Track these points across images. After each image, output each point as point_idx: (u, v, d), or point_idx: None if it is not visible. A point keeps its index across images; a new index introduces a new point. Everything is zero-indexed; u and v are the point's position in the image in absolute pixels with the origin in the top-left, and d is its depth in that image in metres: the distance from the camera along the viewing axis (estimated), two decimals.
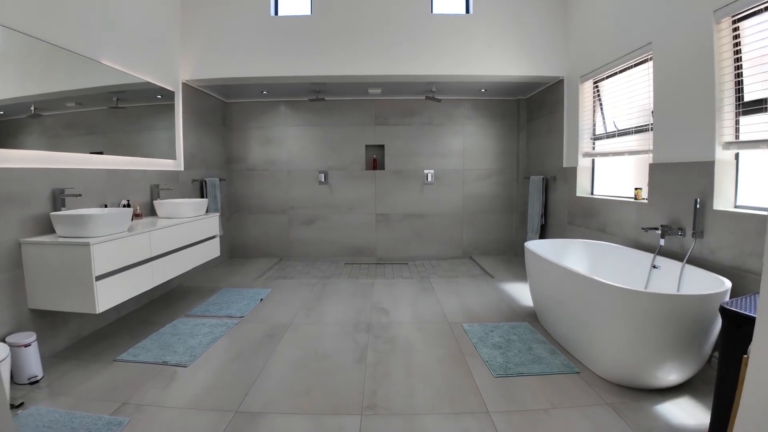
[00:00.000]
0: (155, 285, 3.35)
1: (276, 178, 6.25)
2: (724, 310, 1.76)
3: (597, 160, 4.46)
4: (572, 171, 4.60)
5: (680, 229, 2.95)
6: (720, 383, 1.78)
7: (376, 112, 6.13)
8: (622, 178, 4.08)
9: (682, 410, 2.16)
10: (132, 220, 3.75)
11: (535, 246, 3.64)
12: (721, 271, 2.58)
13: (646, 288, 3.07)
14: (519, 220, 6.13)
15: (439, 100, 5.67)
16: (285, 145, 6.21)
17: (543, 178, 5.20)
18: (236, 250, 6.33)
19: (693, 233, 2.78)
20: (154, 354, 2.97)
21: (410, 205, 6.19)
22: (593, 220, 4.16)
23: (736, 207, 2.70)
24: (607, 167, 4.36)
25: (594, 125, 4.36)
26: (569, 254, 3.78)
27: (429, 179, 6.13)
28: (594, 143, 4.37)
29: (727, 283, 2.27)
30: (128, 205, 3.74)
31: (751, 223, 2.42)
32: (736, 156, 2.69)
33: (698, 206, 2.76)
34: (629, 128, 3.74)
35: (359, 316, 3.70)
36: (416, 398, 2.36)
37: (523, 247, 5.97)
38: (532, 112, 5.82)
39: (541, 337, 3.11)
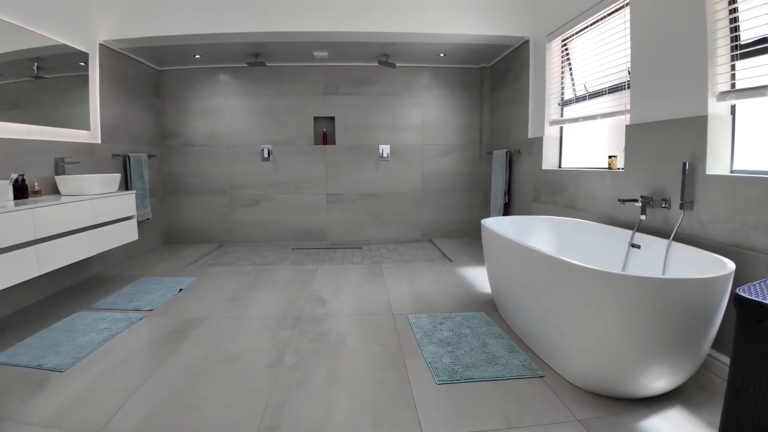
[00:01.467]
0: (43, 273, 2.73)
1: (215, 155, 5.58)
2: (740, 300, 1.25)
3: (566, 128, 3.97)
4: (538, 142, 4.11)
5: (664, 200, 2.47)
6: (733, 398, 1.28)
7: (326, 81, 5.51)
8: (594, 147, 3.60)
9: (674, 427, 1.67)
10: (28, 197, 3.10)
11: (493, 224, 3.12)
12: (717, 249, 2.11)
13: (623, 270, 2.59)
14: (482, 200, 5.64)
15: (393, 66, 5.08)
16: (224, 118, 5.53)
17: (506, 152, 4.70)
18: (173, 236, 5.65)
19: (681, 204, 2.30)
20: (34, 355, 2.40)
21: (365, 184, 5.62)
22: (561, 195, 3.68)
23: (732, 171, 2.22)
24: (576, 136, 3.88)
25: (562, 90, 3.87)
26: (534, 233, 3.29)
27: (385, 155, 5.57)
28: (562, 110, 3.88)
29: (730, 264, 1.79)
30: (22, 181, 3.08)
31: (754, 190, 1.94)
32: (732, 109, 2.21)
33: (687, 172, 2.28)
34: (602, 89, 3.25)
35: (290, 308, 3.13)
36: (334, 414, 1.81)
37: None
38: (496, 82, 5.30)
39: (498, 329, 2.61)
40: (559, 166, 4.02)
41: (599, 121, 3.34)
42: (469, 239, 5.63)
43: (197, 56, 5.04)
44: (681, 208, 2.30)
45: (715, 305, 1.67)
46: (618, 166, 3.10)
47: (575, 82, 3.69)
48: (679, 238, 2.31)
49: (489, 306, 3.06)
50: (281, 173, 5.59)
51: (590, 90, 3.41)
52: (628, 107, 2.87)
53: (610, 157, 3.12)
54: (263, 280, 3.88)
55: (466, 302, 3.16)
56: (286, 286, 3.66)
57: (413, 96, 5.57)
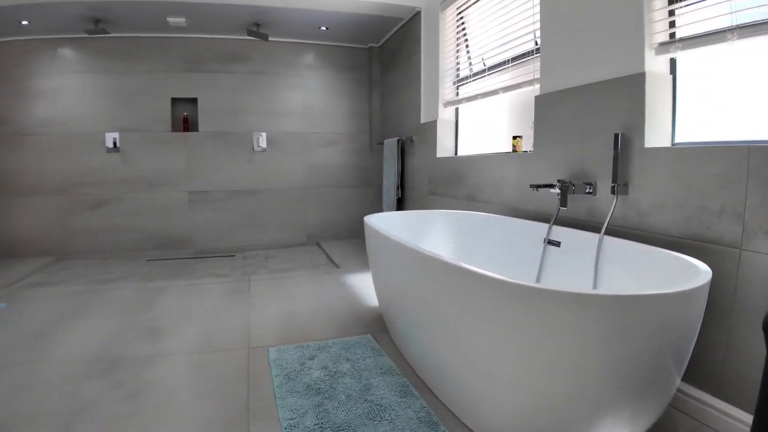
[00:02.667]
0: None
1: (53, 145, 4.38)
2: None
3: (463, 109, 3.46)
4: (431, 127, 3.56)
5: (588, 184, 1.97)
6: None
7: (186, 55, 4.55)
8: (496, 130, 3.11)
9: None
10: None
11: (378, 221, 2.47)
12: (666, 243, 1.63)
13: (538, 278, 2.06)
14: (375, 195, 5.03)
15: (266, 37, 4.28)
16: (63, 100, 4.36)
17: (398, 140, 4.12)
18: (1, 248, 4.35)
19: (613, 188, 1.81)
20: None
21: (237, 179, 4.75)
22: (460, 186, 3.14)
23: (675, 144, 1.77)
24: (474, 118, 3.38)
25: (458, 66, 3.35)
26: (429, 232, 2.70)
27: (261, 144, 4.74)
28: (458, 89, 3.36)
29: (703, 267, 1.29)
30: None
31: (719, 164, 1.47)
32: (673, 64, 1.76)
33: (620, 146, 1.79)
34: (504, 60, 2.75)
35: (110, 346, 2.23)
36: None
37: None
38: (387, 63, 4.72)
39: (388, 360, 1.96)
40: (456, 154, 3.51)
41: (501, 99, 2.85)
42: (360, 240, 4.98)
43: (24, 23, 3.86)
44: (613, 192, 1.80)
45: (692, 327, 1.15)
46: (525, 148, 2.61)
47: (472, 56, 3.18)
48: (612, 232, 1.81)
49: (378, 325, 2.41)
50: (132, 167, 4.53)
51: (489, 63, 2.91)
52: (537, 75, 2.37)
53: (514, 138, 2.62)
54: (92, 304, 2.89)
55: (350, 322, 2.47)
56: (117, 313, 2.73)
57: (294, 76, 4.80)
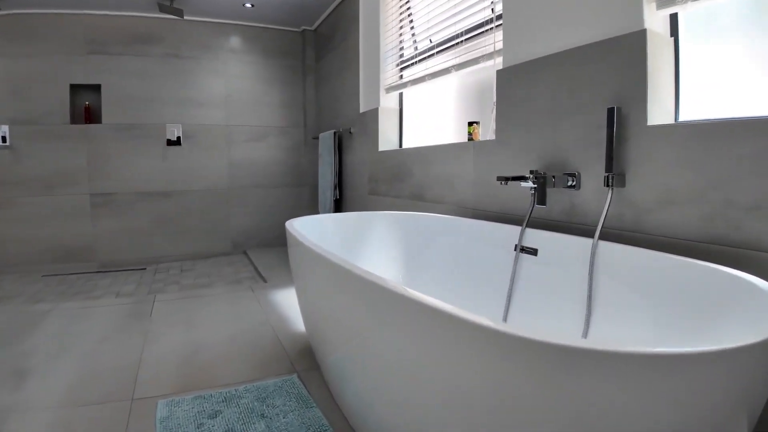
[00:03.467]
0: None
1: None
2: None
3: (408, 95, 3.02)
4: (372, 116, 3.09)
5: (570, 175, 1.57)
6: None
7: (88, 35, 3.84)
8: (447, 118, 2.69)
9: None
10: None
11: (304, 226, 1.94)
12: (677, 249, 1.24)
13: (509, 299, 1.63)
14: (311, 196, 4.50)
15: (180, 14, 3.66)
16: None
17: (334, 133, 3.62)
18: None
19: (607, 178, 1.40)
20: None
21: (148, 179, 4.07)
22: (405, 183, 2.70)
23: (679, 121, 1.39)
24: (422, 105, 2.95)
25: (401, 46, 2.91)
26: (369, 239, 2.22)
27: (176, 138, 4.10)
28: (401, 71, 2.92)
29: (763, 285, 0.89)
30: None
31: (750, 144, 1.09)
32: (674, 22, 1.38)
33: (615, 125, 1.39)
34: (455, 35, 2.33)
35: None
36: None
37: None
38: (322, 48, 4.21)
39: (318, 415, 1.46)
40: (401, 146, 3.06)
41: (452, 82, 2.43)
42: None
43: None
44: (607, 184, 1.40)
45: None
46: (483, 137, 2.19)
47: (417, 33, 2.74)
48: (603, 235, 1.40)
49: (308, 360, 1.90)
50: (24, 166, 3.77)
51: (438, 39, 2.48)
52: (499, 47, 1.96)
53: (470, 124, 2.20)
54: None
55: (272, 358, 1.95)
56: None
57: (214, 61, 4.19)
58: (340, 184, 3.69)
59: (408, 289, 0.91)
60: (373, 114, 3.08)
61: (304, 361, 1.88)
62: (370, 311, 1.07)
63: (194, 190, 4.18)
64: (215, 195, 4.25)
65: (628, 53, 1.37)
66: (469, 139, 2.21)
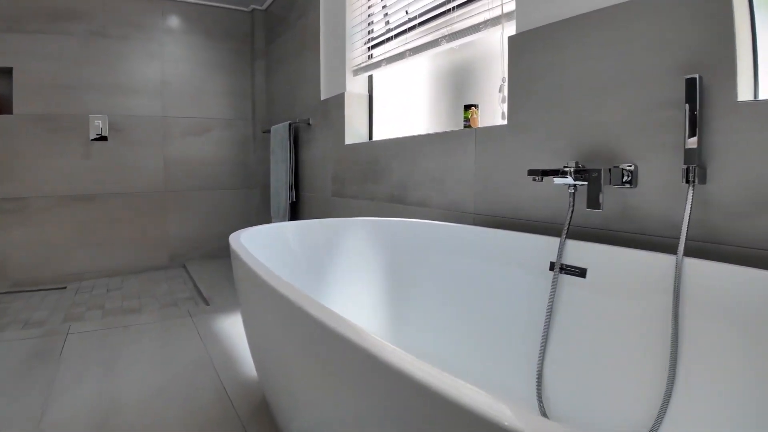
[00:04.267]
0: None
1: None
2: None
3: (379, 79, 2.56)
4: (337, 103, 2.61)
5: (627, 171, 1.14)
6: None
7: None
8: (426, 105, 2.24)
9: None
10: None
11: (253, 239, 1.42)
12: None
13: (541, 364, 1.20)
14: (262, 199, 3.95)
15: None
16: None
17: (290, 125, 3.10)
18: None
19: (689, 172, 0.99)
20: None
21: (69, 180, 3.38)
22: (382, 183, 2.23)
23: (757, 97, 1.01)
24: (396, 91, 2.49)
25: (370, 20, 2.44)
26: (340, 256, 1.72)
27: (101, 132, 3.44)
28: (371, 51, 2.45)
29: None
30: None
31: None
32: None
33: (698, 100, 0.98)
34: (441, 2, 1.89)
35: None
36: None
37: None
38: (274, 29, 3.68)
39: None
40: (371, 138, 2.60)
41: (432, 60, 1.99)
42: None
43: None
44: (688, 180, 0.99)
45: None
46: (481, 123, 1.76)
47: (388, 5, 2.28)
48: (692, 251, 0.99)
49: (266, 423, 1.39)
50: None
51: (416, 11, 2.03)
52: (509, 9, 1.53)
53: (467, 108, 1.76)
54: None
55: (216, 419, 1.42)
56: None
57: (148, 42, 3.57)
58: (296, 184, 3.17)
59: (386, 348, 0.45)
60: (338, 101, 2.59)
61: (261, 425, 1.37)
62: (338, 371, 0.60)
63: (123, 194, 3.54)
64: (149, 199, 3.61)
65: (707, 5, 0.97)
66: (465, 126, 1.77)
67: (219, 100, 3.82)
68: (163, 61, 3.62)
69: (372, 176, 2.29)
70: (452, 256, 1.55)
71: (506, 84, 1.56)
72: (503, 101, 1.64)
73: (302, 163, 3.11)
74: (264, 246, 1.42)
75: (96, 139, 3.44)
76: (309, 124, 2.95)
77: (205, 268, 3.47)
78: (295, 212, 3.22)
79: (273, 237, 1.53)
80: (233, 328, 2.20)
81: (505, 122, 1.59)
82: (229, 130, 3.87)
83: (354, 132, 2.55)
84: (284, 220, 3.15)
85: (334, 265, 1.65)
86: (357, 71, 2.53)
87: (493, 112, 1.75)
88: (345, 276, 1.64)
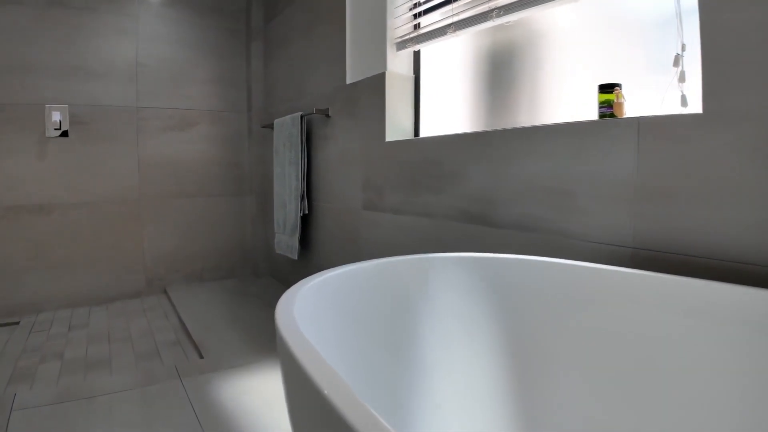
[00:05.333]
0: None
1: None
2: None
3: (429, 55, 1.96)
4: (370, 88, 1.99)
5: None
6: None
7: None
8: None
9: None
10: None
11: (305, 316, 0.80)
12: None
13: None
14: (259, 209, 3.30)
15: None
16: None
17: (300, 117, 2.47)
18: None
19: None
20: None
21: (18, 186, 2.68)
22: (445, 195, 1.62)
23: None
24: (449, 72, 1.89)
25: None
26: (432, 312, 1.11)
27: (59, 126, 2.75)
28: (418, 20, 1.84)
29: None
30: None
31: None
32: None
33: None
34: None
35: None
36: None
37: (269, 259, 3.22)
38: (275, 4, 3.03)
39: None
40: (417, 134, 1.99)
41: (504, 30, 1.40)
42: (238, 282, 3.21)
43: None
44: None
45: None
46: (630, 110, 1.18)
47: None
48: None
49: None
50: None
51: None
52: None
53: (607, 88, 1.18)
54: None
55: None
56: None
57: (120, 16, 2.88)
58: (308, 191, 2.54)
59: None
60: (374, 85, 1.98)
61: None
62: None
63: (88, 203, 2.84)
64: (119, 209, 2.92)
65: None
66: (604, 115, 1.18)
67: (207, 87, 3.15)
68: (138, 39, 2.94)
69: (429, 184, 1.68)
70: (611, 318, 0.95)
71: (681, 54, 0.97)
72: (681, 80, 1.06)
73: (317, 165, 2.49)
74: (311, 320, 0.81)
75: (54, 138, 2.75)
76: (328, 115, 2.33)
77: (191, 296, 2.81)
78: (307, 227, 2.59)
79: (323, 306, 0.90)
80: (243, 400, 1.57)
81: (686, 109, 1.01)
82: (219, 124, 3.21)
83: (397, 125, 1.94)
84: (294, 237, 2.52)
85: (424, 335, 1.04)
86: (402, 44, 1.91)
87: (671, 96, 1.16)
88: (443, 352, 1.03)
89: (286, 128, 2.57)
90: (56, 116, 2.75)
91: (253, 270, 3.34)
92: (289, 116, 2.55)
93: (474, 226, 1.50)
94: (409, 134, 1.98)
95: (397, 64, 1.95)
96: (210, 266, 3.20)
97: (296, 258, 2.52)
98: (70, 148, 2.78)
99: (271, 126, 2.85)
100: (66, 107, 2.77)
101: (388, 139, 1.91)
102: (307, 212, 2.51)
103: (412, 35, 1.86)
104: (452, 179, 1.59)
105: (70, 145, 2.78)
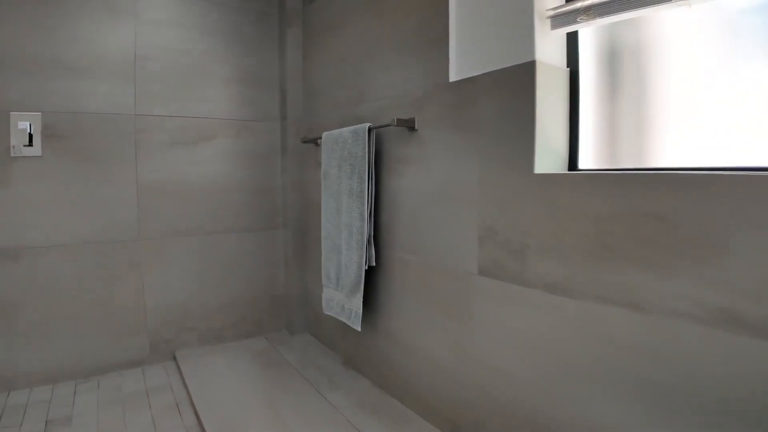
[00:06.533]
0: None
1: None
2: None
3: (590, 41, 1.23)
4: (506, 86, 1.26)
5: None
6: None
7: None
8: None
9: None
10: None
11: None
12: None
13: None
14: (297, 248, 2.55)
15: None
16: None
17: (368, 130, 1.73)
18: None
19: None
20: None
21: None
22: (681, 273, 0.89)
23: None
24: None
25: None
26: None
27: (27, 141, 2.02)
28: None
29: None
30: None
31: None
32: None
33: None
34: None
35: None
36: None
37: (307, 310, 2.49)
38: None
39: None
40: (574, 164, 1.26)
41: None
42: (267, 344, 2.47)
43: None
44: None
45: None
46: None
47: None
48: None
49: None
50: None
51: None
52: None
53: None
54: None
55: None
56: None
57: None
58: (376, 233, 1.81)
59: None
60: (509, 82, 1.25)
61: None
62: None
63: (68, 245, 2.11)
64: (111, 252, 2.19)
65: None
66: None
67: (228, 89, 2.43)
68: (136, 23, 2.22)
69: (641, 255, 0.95)
70: None
71: None
72: None
73: (390, 198, 1.75)
74: None
75: (20, 157, 2.03)
76: (413, 128, 1.60)
77: (208, 366, 2.07)
78: (370, 284, 1.85)
79: None
80: None
81: None
82: (244, 137, 2.48)
83: (546, 144, 1.21)
84: (354, 298, 1.78)
85: None
86: (563, 18, 1.18)
87: None
88: None
89: (344, 145, 1.84)
90: (24, 127, 2.02)
91: (288, 325, 2.61)
92: (348, 129, 1.82)
93: (749, 341, 0.77)
94: (562, 161, 1.25)
95: (549, 50, 1.22)
96: (231, 322, 2.47)
97: (359, 330, 1.78)
98: (43, 172, 2.05)
99: (315, 141, 2.12)
100: (38, 115, 2.04)
101: (538, 169, 1.18)
102: (373, 264, 1.78)
103: (584, 2, 1.13)
104: (696, 251, 0.86)
105: (43, 166, 2.05)
